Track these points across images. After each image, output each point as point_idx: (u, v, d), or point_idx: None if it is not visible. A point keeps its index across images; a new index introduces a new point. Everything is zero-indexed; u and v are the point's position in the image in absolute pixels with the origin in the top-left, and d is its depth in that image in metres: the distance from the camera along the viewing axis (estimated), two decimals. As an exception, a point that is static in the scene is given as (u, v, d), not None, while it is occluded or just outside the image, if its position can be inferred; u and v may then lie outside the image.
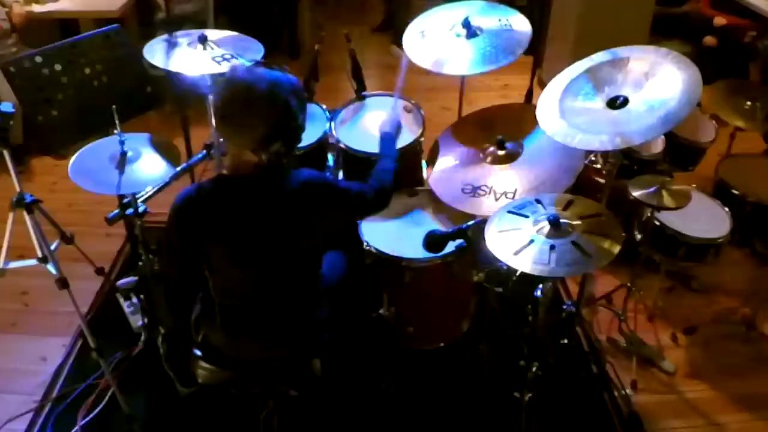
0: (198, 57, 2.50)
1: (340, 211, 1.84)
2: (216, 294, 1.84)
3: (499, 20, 2.53)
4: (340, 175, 2.62)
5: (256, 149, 1.65)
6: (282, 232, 1.74)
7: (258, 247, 1.74)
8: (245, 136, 1.64)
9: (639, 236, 2.58)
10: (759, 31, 4.05)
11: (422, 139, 2.56)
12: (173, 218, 1.74)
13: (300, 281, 1.86)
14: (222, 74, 1.67)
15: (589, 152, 2.70)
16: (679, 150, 2.87)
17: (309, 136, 2.52)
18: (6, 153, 1.95)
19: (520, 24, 2.51)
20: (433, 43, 2.54)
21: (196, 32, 2.60)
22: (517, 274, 2.62)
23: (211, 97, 1.65)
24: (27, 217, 2.11)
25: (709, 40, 4.34)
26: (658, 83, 2.00)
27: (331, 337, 1.99)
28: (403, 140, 2.48)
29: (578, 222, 1.86)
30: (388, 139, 2.21)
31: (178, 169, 2.22)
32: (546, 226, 1.84)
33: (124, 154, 2.16)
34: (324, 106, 2.71)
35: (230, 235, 1.72)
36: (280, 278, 1.81)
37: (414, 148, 2.54)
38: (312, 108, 2.67)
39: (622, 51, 2.14)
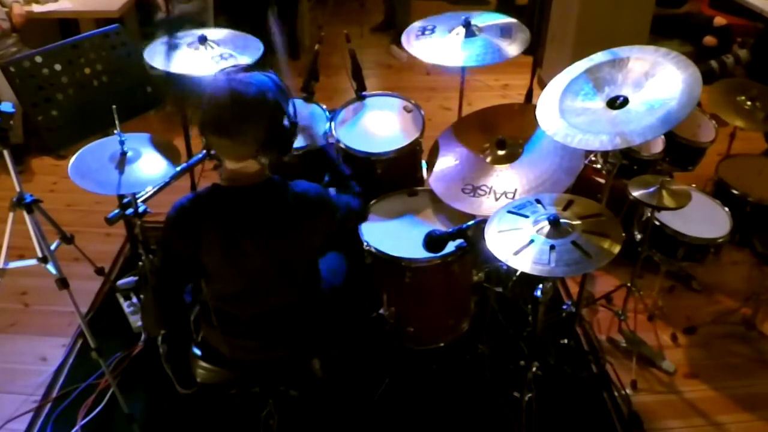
0: (198, 57, 2.49)
1: (330, 224, 1.84)
2: (212, 300, 1.83)
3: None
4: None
5: (255, 155, 1.64)
6: (277, 243, 1.73)
7: (253, 258, 1.73)
8: (243, 146, 1.62)
9: (639, 236, 2.58)
10: (744, 39, 4.03)
11: (422, 139, 2.56)
12: (167, 230, 1.72)
13: (297, 287, 1.85)
14: (204, 88, 1.63)
15: (589, 152, 2.70)
16: (679, 150, 2.87)
17: (309, 137, 2.52)
18: (6, 153, 1.95)
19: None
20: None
21: (196, 33, 2.61)
22: (517, 274, 2.63)
23: (199, 111, 1.61)
24: (27, 217, 2.11)
25: (709, 40, 4.35)
26: (658, 83, 2.00)
27: (331, 337, 1.99)
28: (403, 140, 2.48)
29: (578, 222, 1.86)
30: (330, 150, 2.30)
31: (178, 169, 2.22)
32: (546, 226, 1.84)
33: (124, 154, 2.16)
34: (324, 106, 2.70)
35: (225, 246, 1.70)
36: (276, 286, 1.80)
37: (414, 148, 2.54)
38: (312, 108, 2.67)
39: (622, 51, 2.14)
